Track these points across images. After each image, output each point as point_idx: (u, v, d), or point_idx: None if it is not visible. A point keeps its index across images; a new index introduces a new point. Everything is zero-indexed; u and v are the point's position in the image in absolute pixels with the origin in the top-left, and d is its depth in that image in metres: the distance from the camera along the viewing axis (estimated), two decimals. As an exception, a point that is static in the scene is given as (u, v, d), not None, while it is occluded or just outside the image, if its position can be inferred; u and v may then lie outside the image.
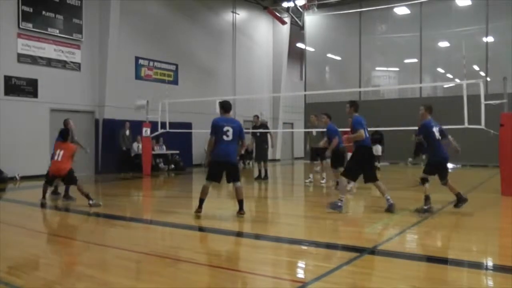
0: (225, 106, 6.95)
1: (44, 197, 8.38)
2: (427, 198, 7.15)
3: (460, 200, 7.23)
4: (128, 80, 16.32)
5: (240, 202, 6.84)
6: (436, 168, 7.27)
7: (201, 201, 6.86)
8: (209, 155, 6.91)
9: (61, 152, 8.12)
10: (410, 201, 8.57)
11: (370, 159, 7.54)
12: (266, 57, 23.99)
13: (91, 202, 7.95)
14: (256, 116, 13.14)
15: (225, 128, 6.64)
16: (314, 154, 12.08)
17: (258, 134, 12.77)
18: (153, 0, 17.31)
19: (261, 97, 22.26)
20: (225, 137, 6.63)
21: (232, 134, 6.65)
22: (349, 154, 9.55)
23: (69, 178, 8.16)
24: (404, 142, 15.12)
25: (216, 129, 6.70)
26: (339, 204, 7.17)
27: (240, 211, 6.82)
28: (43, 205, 8.24)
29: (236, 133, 6.72)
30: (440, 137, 7.20)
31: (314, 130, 12.19)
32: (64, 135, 8.41)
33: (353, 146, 7.48)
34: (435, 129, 7.19)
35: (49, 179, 8.42)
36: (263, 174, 12.76)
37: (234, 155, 6.84)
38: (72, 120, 9.51)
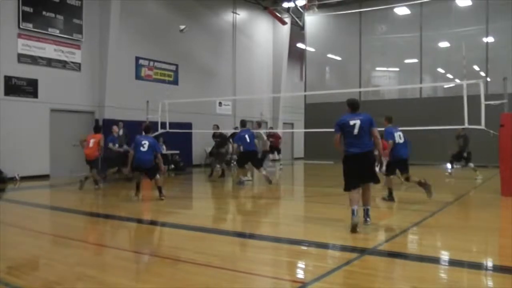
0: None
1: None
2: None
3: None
4: (128, 80, 16.31)
5: None
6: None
7: None
8: None
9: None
10: (409, 201, 8.57)
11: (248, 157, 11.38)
12: (266, 57, 23.98)
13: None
14: (215, 126, 14.53)
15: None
16: None
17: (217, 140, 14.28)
18: (153, 0, 17.32)
19: (261, 97, 22.25)
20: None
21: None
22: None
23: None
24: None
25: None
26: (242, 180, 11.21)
27: None
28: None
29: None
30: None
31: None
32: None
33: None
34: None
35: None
36: (219, 173, 13.91)
37: None
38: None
